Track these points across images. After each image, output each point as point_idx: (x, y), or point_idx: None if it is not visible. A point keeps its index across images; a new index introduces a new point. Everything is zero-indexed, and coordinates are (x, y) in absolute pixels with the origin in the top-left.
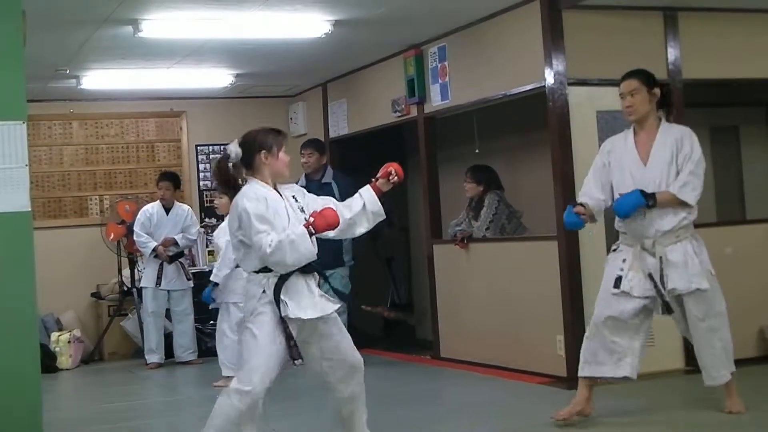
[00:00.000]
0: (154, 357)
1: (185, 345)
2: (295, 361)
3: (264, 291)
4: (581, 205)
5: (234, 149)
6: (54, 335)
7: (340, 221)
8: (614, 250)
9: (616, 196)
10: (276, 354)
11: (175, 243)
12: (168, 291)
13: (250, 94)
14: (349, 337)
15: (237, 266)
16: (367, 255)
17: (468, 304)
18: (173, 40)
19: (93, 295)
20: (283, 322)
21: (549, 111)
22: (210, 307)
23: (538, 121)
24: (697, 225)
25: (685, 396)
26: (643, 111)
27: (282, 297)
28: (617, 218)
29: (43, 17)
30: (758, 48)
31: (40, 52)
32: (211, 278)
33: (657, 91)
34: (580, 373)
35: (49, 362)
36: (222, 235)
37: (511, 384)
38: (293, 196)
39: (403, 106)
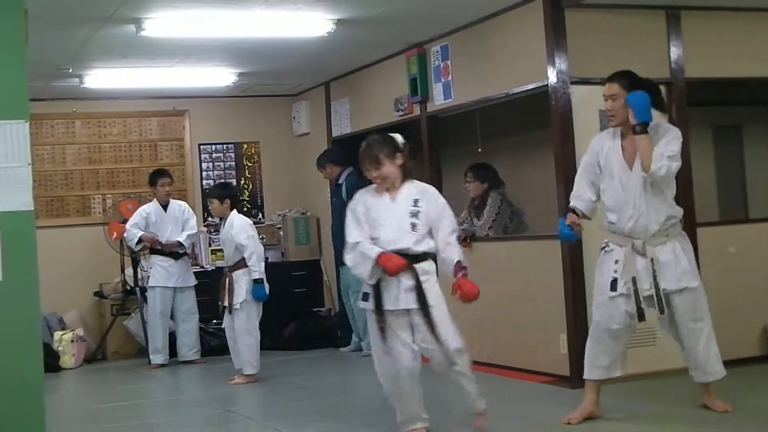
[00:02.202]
0: (158, 357)
1: (190, 344)
2: None
3: None
4: (574, 212)
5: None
6: (57, 334)
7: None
8: (604, 249)
9: (605, 193)
10: None
11: (180, 244)
12: (174, 289)
13: (253, 93)
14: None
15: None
16: None
17: (470, 303)
18: (176, 39)
19: (96, 294)
20: None
21: (551, 110)
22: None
23: (540, 120)
24: (700, 224)
25: (686, 396)
26: (624, 115)
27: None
28: (606, 217)
29: (45, 16)
30: (761, 47)
31: (42, 51)
32: (258, 276)
33: None
34: (587, 376)
35: (52, 361)
36: (242, 232)
37: (514, 383)
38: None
39: (406, 105)
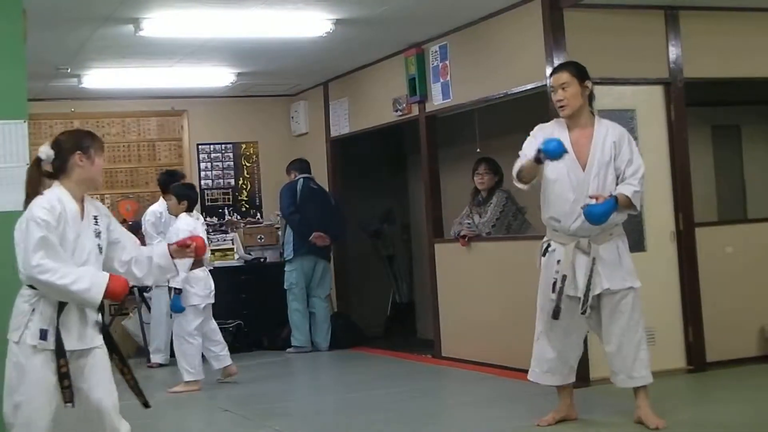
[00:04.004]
0: (159, 357)
1: None
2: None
3: None
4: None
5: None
6: None
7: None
8: (545, 249)
9: (550, 189)
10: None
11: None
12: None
13: (252, 93)
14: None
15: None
16: (368, 253)
17: (469, 303)
18: (174, 39)
19: None
20: None
21: (550, 110)
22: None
23: (539, 120)
24: (698, 224)
25: (686, 396)
26: (576, 105)
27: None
28: (546, 213)
29: (44, 16)
30: (760, 46)
31: (41, 51)
32: (174, 285)
33: (589, 84)
34: (544, 382)
35: None
36: (175, 237)
37: (513, 383)
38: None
39: (405, 105)
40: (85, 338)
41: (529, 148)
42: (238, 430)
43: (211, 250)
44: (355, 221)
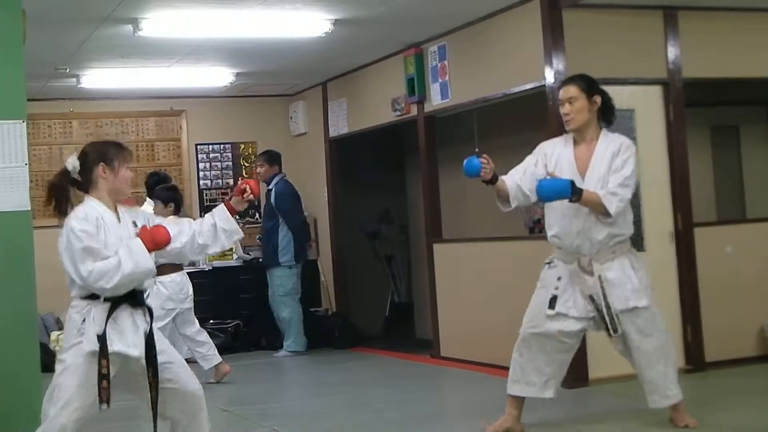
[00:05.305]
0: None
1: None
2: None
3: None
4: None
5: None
6: (54, 334)
7: (173, 243)
8: (549, 264)
9: (551, 207)
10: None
11: None
12: None
13: (250, 93)
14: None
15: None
16: (367, 253)
17: (468, 303)
18: (173, 39)
19: None
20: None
21: (549, 110)
22: None
23: (538, 120)
24: (697, 224)
25: (685, 396)
26: (582, 120)
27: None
28: (549, 231)
29: (42, 16)
30: (759, 47)
31: (39, 51)
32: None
33: (598, 99)
34: (509, 390)
35: (48, 361)
36: None
37: None
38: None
39: (403, 105)
40: (139, 345)
41: (523, 165)
42: (237, 430)
43: None
44: (354, 222)
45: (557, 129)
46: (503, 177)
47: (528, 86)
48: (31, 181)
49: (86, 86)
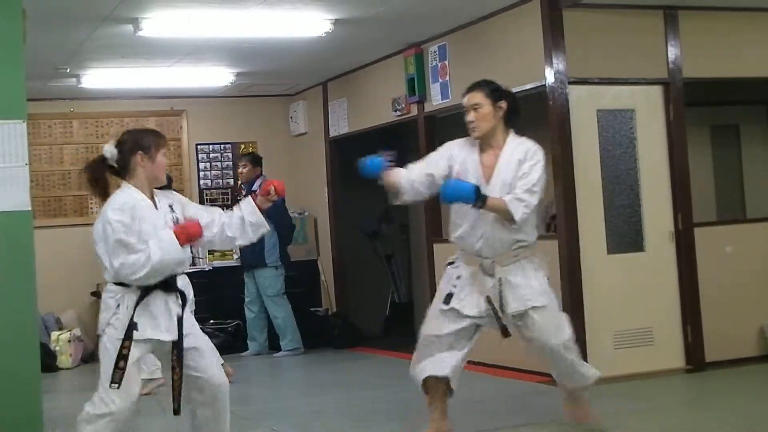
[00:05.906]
0: None
1: None
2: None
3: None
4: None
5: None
6: (54, 334)
7: (204, 233)
8: (451, 263)
9: (454, 210)
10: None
11: None
12: None
13: (251, 92)
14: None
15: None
16: (367, 253)
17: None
18: (173, 39)
19: (93, 294)
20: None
21: (549, 110)
22: None
23: (538, 119)
24: (697, 224)
25: (686, 396)
26: (487, 127)
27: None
28: (453, 233)
29: (43, 16)
30: (759, 47)
31: (40, 51)
32: None
33: (503, 104)
34: (419, 376)
35: (49, 361)
36: None
37: (511, 383)
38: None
39: (404, 105)
40: (172, 329)
41: (425, 162)
42: (236, 430)
43: (209, 250)
44: (354, 222)
45: (557, 129)
46: (399, 170)
47: (528, 86)
48: (31, 181)
49: (86, 86)
